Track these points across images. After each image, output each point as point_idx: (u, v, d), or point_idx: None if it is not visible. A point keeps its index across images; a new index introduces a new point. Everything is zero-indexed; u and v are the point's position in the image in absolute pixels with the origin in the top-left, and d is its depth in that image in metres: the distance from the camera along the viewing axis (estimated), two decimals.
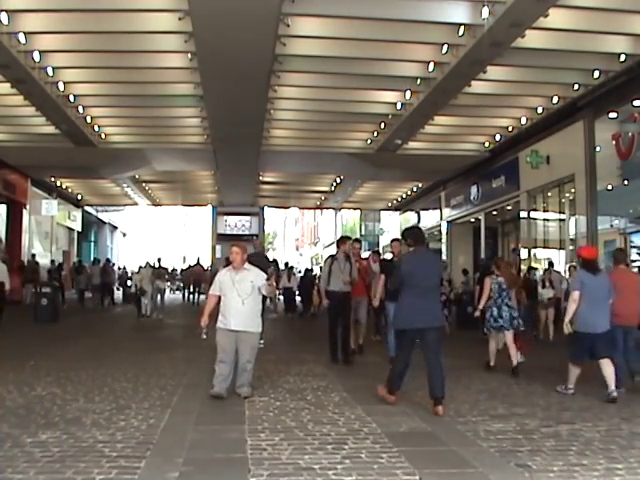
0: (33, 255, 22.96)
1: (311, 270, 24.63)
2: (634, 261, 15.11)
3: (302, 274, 22.71)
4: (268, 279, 7.05)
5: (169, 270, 25.55)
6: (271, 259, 14.78)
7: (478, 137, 20.29)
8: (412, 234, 6.73)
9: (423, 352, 6.10)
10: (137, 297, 18.22)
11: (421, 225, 29.61)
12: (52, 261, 23.46)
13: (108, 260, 25.94)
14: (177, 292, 34.31)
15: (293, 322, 18.32)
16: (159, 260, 19.07)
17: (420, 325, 6.10)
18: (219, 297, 6.78)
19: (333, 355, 9.23)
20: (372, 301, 9.76)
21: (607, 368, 6.68)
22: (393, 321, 7.14)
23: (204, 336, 6.80)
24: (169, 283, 36.25)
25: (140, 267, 18.94)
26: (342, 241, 9.68)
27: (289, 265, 21.02)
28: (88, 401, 6.44)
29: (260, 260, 10.66)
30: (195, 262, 27.10)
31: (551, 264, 15.22)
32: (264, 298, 7.09)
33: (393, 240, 9.81)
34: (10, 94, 15.12)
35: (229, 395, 6.54)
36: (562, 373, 7.23)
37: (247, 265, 6.84)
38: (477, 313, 9.31)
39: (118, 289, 26.88)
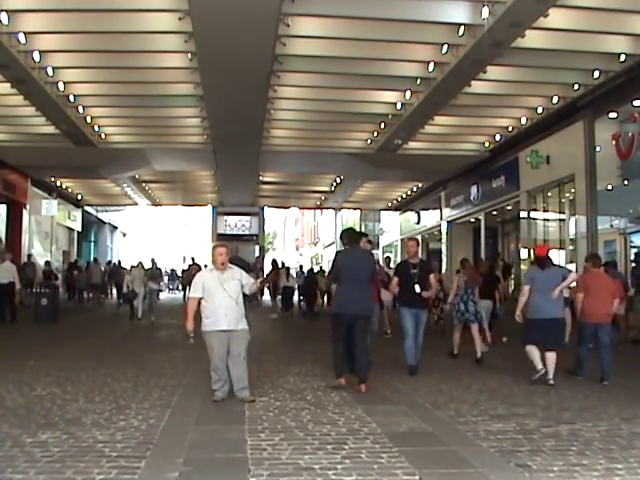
0: (29, 255, 22.81)
1: (312, 270, 24.57)
2: (634, 261, 15.12)
3: (305, 274, 22.69)
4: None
5: (163, 270, 24.69)
6: (271, 259, 14.83)
7: (478, 137, 20.29)
8: (347, 235, 7.89)
9: (349, 337, 6.98)
10: (130, 299, 17.44)
11: (421, 225, 29.71)
12: (47, 262, 23.33)
13: (109, 261, 26.00)
14: (176, 292, 34.35)
15: (293, 322, 18.32)
16: (153, 260, 18.03)
17: (351, 312, 7.12)
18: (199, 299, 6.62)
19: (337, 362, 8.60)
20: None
21: (551, 358, 7.54)
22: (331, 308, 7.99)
23: (191, 340, 6.68)
24: (168, 283, 36.29)
25: (132, 267, 18.11)
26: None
27: (285, 265, 20.95)
28: (88, 401, 6.45)
29: (239, 264, 10.64)
30: (191, 262, 26.72)
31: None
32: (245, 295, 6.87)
33: (410, 239, 9.14)
34: (10, 94, 15.11)
35: (229, 395, 6.53)
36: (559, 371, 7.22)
37: (229, 264, 6.77)
38: (447, 306, 10.17)
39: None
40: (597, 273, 8.54)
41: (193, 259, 26.93)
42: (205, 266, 23.22)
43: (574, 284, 8.55)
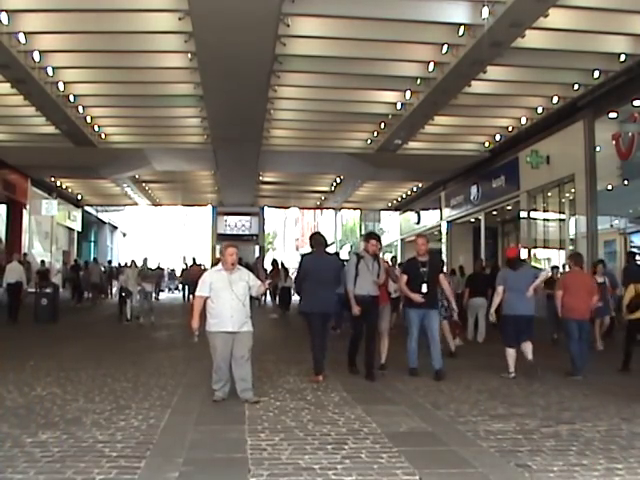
0: (24, 254, 22.63)
1: None
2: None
3: None
4: None
5: (159, 270, 23.11)
6: (272, 260, 14.80)
7: (478, 137, 20.28)
8: (314, 239, 8.43)
9: (312, 332, 7.43)
10: (120, 299, 16.86)
11: (421, 225, 29.71)
12: (42, 262, 23.34)
13: (110, 261, 25.97)
14: (176, 292, 34.33)
15: (293, 322, 18.31)
16: (144, 260, 17.19)
17: (317, 310, 7.60)
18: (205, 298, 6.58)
19: (351, 365, 8.32)
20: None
21: (528, 347, 8.14)
22: (299, 307, 8.29)
23: (196, 339, 6.66)
24: (168, 283, 36.07)
25: (125, 266, 17.56)
26: (370, 238, 8.41)
27: (284, 265, 20.92)
28: (88, 401, 6.45)
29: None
30: (192, 262, 26.53)
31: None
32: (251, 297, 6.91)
33: (420, 236, 8.77)
34: (10, 94, 15.11)
35: (229, 395, 6.53)
36: (558, 370, 7.22)
37: (237, 265, 6.74)
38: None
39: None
40: (577, 272, 8.99)
41: (194, 259, 26.79)
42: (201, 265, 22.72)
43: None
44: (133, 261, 17.41)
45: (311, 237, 8.67)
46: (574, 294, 8.45)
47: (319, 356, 7.80)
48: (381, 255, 8.93)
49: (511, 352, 8.11)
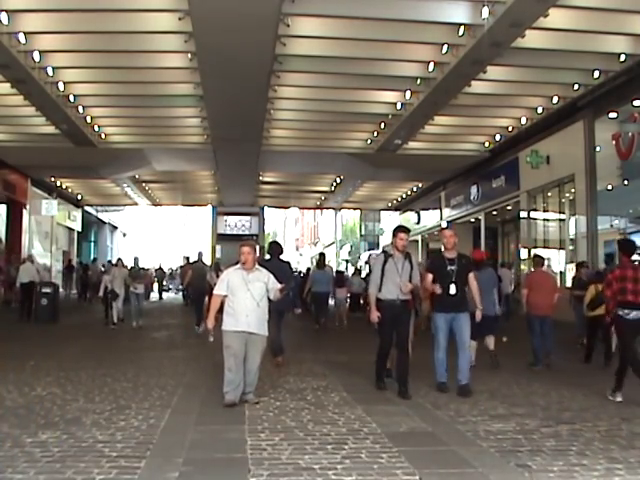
0: (29, 256, 22.72)
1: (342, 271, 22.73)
2: (634, 261, 15.09)
3: (302, 275, 22.62)
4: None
5: (148, 271, 21.17)
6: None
7: (478, 137, 20.29)
8: (272, 247, 9.35)
9: (270, 325, 7.09)
10: (106, 301, 15.44)
11: (421, 225, 29.73)
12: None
13: (109, 261, 25.87)
14: (175, 292, 34.28)
15: (292, 322, 18.29)
16: (135, 260, 15.82)
17: (272, 307, 7.23)
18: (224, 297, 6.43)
19: (379, 380, 7.25)
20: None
21: (490, 339, 9.02)
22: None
23: (211, 339, 6.55)
24: (168, 283, 35.70)
25: (112, 265, 16.14)
26: (398, 231, 7.21)
27: None
28: (88, 401, 6.44)
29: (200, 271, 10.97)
30: (186, 261, 23.84)
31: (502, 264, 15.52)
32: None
33: (446, 228, 8.10)
34: (10, 94, 15.12)
35: None
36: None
37: (257, 265, 6.59)
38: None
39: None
40: (540, 272, 9.77)
41: (187, 258, 24.37)
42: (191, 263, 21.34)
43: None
44: (120, 259, 16.16)
45: (269, 245, 9.96)
46: (537, 292, 9.15)
47: (275, 344, 8.58)
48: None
49: (473, 344, 8.38)
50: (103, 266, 26.44)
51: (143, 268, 16.42)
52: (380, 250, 38.19)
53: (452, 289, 7.02)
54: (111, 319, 14.85)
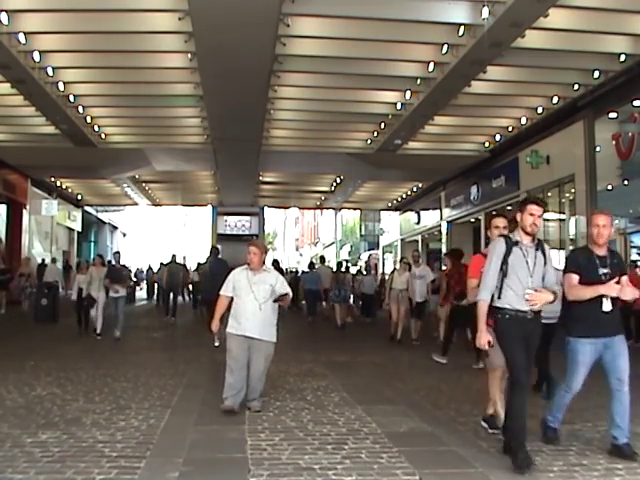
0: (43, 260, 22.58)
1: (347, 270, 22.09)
2: (634, 261, 15.12)
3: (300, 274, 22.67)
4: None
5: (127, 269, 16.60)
6: (272, 260, 15.60)
7: (478, 137, 20.28)
8: (213, 250, 11.19)
9: (207, 311, 8.43)
10: (79, 307, 13.01)
11: (421, 225, 29.71)
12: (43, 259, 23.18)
13: (109, 261, 25.75)
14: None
15: (291, 322, 18.31)
16: (116, 255, 13.34)
17: (211, 297, 7.69)
18: (231, 299, 6.19)
19: (522, 454, 4.37)
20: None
21: (417, 323, 12.23)
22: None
23: (217, 343, 6.27)
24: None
25: (89, 265, 13.40)
26: (528, 204, 4.97)
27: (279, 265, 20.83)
28: (88, 401, 6.44)
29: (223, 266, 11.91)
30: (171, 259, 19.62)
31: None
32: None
33: (601, 213, 5.11)
34: (10, 94, 15.11)
35: None
36: None
37: (266, 266, 6.33)
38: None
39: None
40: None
41: (174, 256, 19.52)
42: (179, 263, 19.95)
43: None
44: (100, 256, 13.74)
45: (210, 249, 13.73)
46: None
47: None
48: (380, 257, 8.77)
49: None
50: (79, 264, 18.51)
51: (125, 266, 14.16)
52: (381, 250, 38.39)
53: (606, 305, 4.73)
54: (92, 327, 12.55)
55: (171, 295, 17.20)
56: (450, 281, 9.96)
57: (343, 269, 17.14)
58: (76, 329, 13.06)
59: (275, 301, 6.13)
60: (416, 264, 12.68)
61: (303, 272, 19.96)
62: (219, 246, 16.86)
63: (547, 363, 6.87)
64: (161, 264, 23.48)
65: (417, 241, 30.34)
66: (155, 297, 25.60)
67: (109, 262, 13.56)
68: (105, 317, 12.50)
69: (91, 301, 12.33)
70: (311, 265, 19.08)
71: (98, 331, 12.26)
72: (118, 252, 13.87)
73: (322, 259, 19.54)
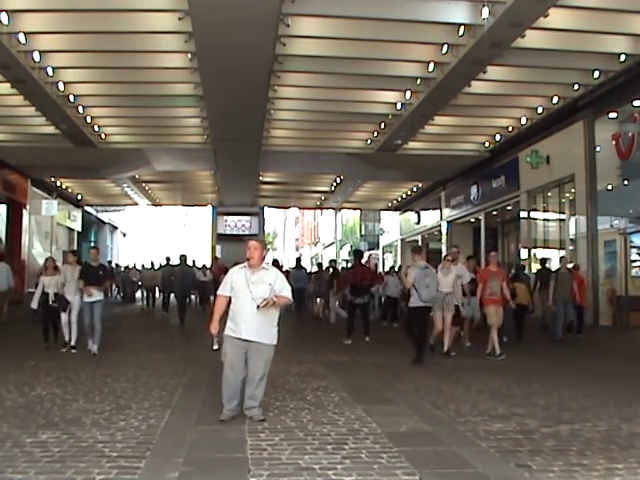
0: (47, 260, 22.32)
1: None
2: (634, 261, 15.12)
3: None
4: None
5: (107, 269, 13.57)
6: (272, 259, 15.97)
7: (478, 137, 20.30)
8: (181, 257, 12.40)
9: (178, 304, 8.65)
10: (46, 312, 10.34)
11: (421, 225, 29.75)
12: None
13: (109, 262, 25.79)
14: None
15: (291, 322, 18.30)
16: (93, 250, 11.30)
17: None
18: (229, 298, 5.76)
19: None
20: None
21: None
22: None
23: (215, 346, 5.94)
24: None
25: (52, 262, 10.80)
26: None
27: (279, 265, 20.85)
28: (88, 401, 6.44)
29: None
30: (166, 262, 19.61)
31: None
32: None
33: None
34: (10, 94, 15.12)
35: None
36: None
37: (266, 264, 5.92)
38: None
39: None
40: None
41: (168, 259, 19.44)
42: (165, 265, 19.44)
43: None
44: (74, 251, 12.17)
45: (179, 257, 15.69)
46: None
47: (181, 313, 14.46)
48: (380, 258, 8.41)
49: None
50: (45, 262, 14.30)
51: (103, 265, 11.39)
52: (381, 250, 38.39)
53: None
54: (61, 338, 10.32)
55: (168, 296, 17.21)
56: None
57: (324, 268, 18.85)
58: (44, 338, 10.43)
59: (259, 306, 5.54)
60: (453, 262, 10.77)
61: (292, 269, 20.34)
62: (218, 246, 17.54)
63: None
64: (166, 264, 19.99)
65: (417, 241, 30.35)
66: (142, 298, 23.62)
67: (85, 262, 11.16)
68: (79, 326, 10.27)
69: (64, 303, 10.07)
70: (298, 262, 20.00)
71: (72, 343, 10.12)
72: (95, 247, 11.99)
73: (298, 261, 20.33)
